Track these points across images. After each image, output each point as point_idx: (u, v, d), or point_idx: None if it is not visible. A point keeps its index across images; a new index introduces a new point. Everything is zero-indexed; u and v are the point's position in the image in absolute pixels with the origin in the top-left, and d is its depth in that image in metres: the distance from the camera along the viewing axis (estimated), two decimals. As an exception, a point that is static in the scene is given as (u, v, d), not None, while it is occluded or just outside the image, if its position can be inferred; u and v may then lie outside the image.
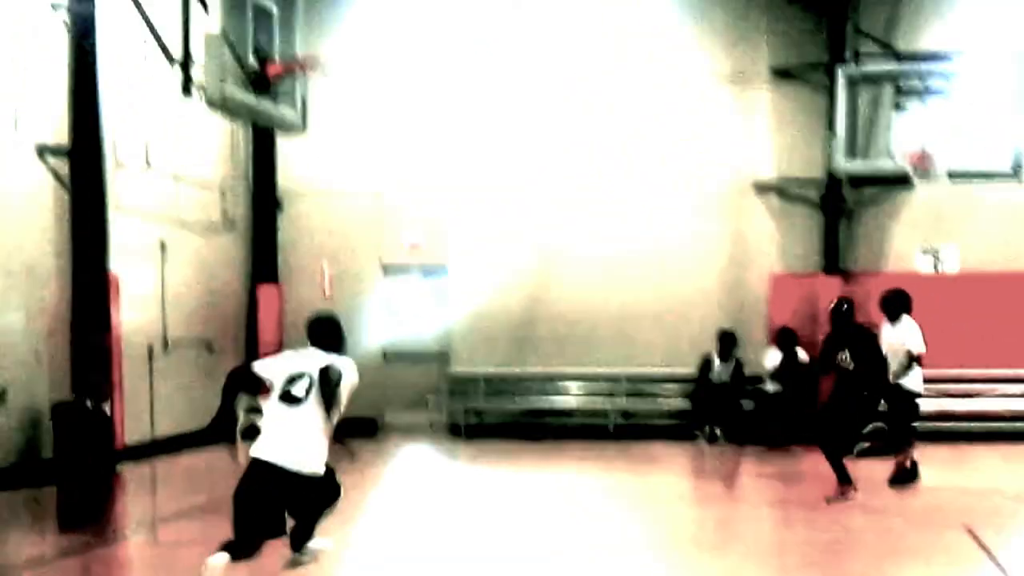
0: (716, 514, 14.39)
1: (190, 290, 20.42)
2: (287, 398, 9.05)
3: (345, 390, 9.19)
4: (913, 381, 15.33)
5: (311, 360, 9.24)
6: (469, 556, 11.73)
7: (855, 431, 14.49)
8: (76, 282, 17.04)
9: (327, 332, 9.53)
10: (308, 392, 9.03)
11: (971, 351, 20.67)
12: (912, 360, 15.21)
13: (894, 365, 15.25)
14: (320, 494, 9.20)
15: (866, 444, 15.44)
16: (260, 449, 9.03)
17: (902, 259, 21.56)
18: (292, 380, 9.10)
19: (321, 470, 9.08)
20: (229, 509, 9.13)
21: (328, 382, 9.05)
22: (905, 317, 15.38)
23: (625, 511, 14.20)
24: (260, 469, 8.98)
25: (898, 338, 15.28)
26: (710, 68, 21.88)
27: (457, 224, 22.38)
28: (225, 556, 8.85)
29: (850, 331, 14.48)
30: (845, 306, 14.56)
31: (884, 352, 15.29)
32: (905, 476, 15.41)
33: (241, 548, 8.95)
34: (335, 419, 9.19)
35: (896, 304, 15.47)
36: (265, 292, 22.55)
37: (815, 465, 15.73)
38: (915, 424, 15.60)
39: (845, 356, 14.28)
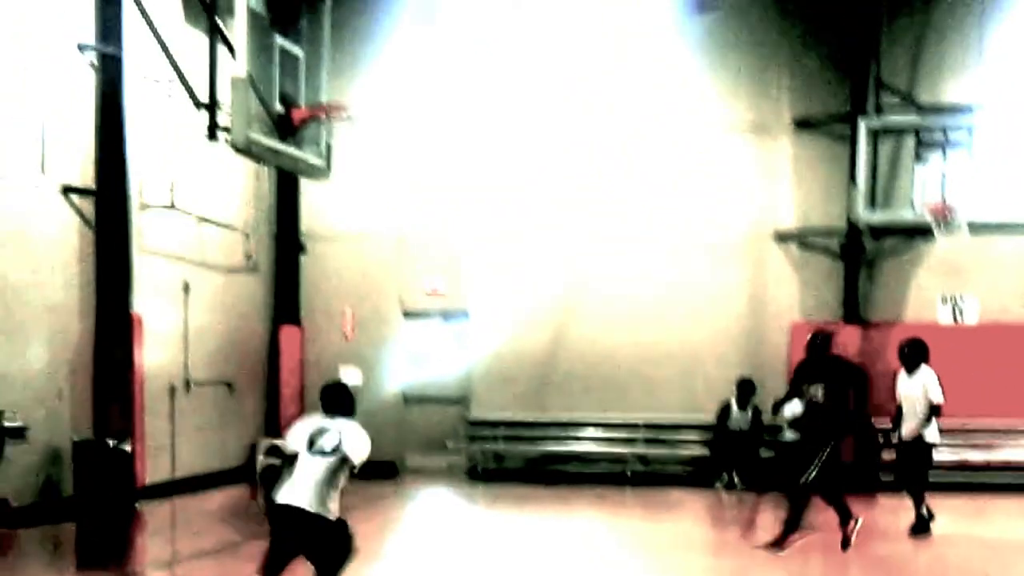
0: (731, 563, 14.32)
1: (212, 331, 20.54)
2: (314, 449, 9.75)
3: (358, 458, 9.87)
4: (931, 432, 15.34)
5: (333, 423, 9.95)
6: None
7: (840, 466, 14.23)
8: (99, 321, 17.27)
9: (338, 398, 10.19)
10: (334, 447, 9.75)
11: (990, 401, 20.61)
12: (932, 410, 15.22)
13: (910, 415, 15.28)
14: (333, 542, 9.73)
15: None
16: (283, 495, 9.67)
17: (922, 309, 21.53)
18: (319, 434, 9.83)
19: (332, 516, 9.66)
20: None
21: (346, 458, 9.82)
22: (923, 367, 15.40)
23: (640, 558, 14.19)
24: (282, 512, 9.66)
25: (916, 387, 15.31)
26: (732, 117, 21.97)
27: (478, 269, 22.49)
28: None
29: (827, 364, 14.16)
30: (820, 339, 14.30)
31: (898, 400, 15.35)
32: (923, 526, 15.41)
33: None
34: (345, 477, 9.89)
35: (914, 353, 15.47)
36: (287, 334, 22.66)
37: (834, 515, 15.66)
38: (928, 475, 15.61)
39: (818, 390, 14.01)
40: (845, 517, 14.09)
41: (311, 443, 9.74)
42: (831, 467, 13.97)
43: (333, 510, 9.68)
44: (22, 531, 15.05)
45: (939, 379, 15.39)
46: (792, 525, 14.00)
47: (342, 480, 9.77)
